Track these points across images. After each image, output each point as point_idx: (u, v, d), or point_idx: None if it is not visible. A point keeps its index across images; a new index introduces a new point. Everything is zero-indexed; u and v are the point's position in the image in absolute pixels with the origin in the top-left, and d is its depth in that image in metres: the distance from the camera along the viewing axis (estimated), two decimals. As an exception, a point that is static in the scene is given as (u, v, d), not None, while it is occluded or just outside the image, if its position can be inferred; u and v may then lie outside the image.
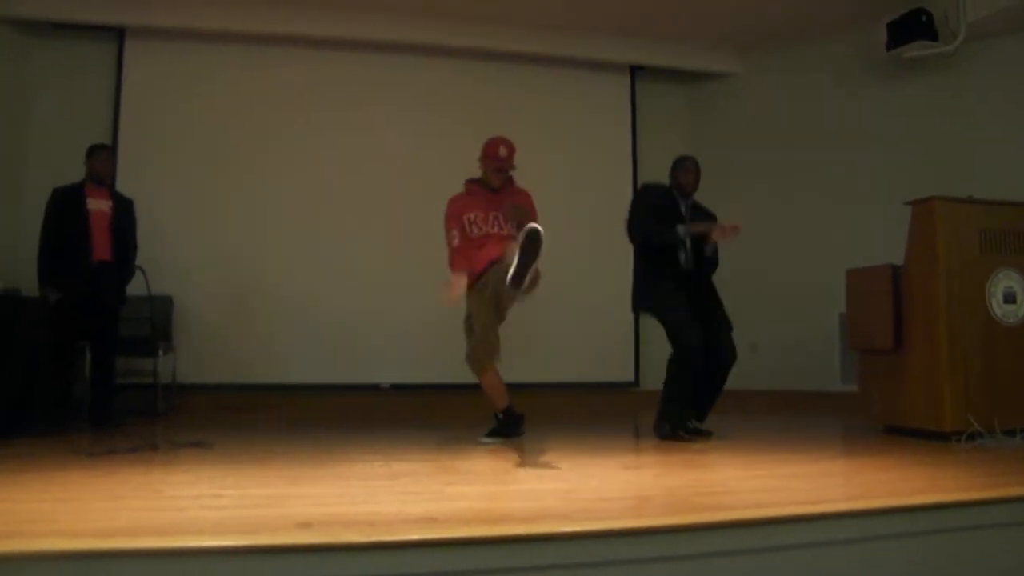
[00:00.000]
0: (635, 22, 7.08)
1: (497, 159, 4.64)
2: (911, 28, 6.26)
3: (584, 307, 7.05)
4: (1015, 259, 4.59)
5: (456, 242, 4.63)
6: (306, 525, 2.19)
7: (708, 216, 4.84)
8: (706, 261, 4.71)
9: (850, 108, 7.00)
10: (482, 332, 4.45)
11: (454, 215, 4.69)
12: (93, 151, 5.39)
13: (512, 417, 4.57)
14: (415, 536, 2.06)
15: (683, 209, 4.77)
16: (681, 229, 4.61)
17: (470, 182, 4.80)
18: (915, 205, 4.66)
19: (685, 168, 4.80)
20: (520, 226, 4.26)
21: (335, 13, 6.75)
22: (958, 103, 6.42)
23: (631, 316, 7.39)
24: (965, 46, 6.18)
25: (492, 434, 4.55)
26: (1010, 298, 4.56)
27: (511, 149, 4.69)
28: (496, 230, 4.63)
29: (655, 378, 7.18)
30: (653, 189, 4.91)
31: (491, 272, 4.38)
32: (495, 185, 4.68)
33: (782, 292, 7.02)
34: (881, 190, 6.40)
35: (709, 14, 6.83)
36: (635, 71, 7.70)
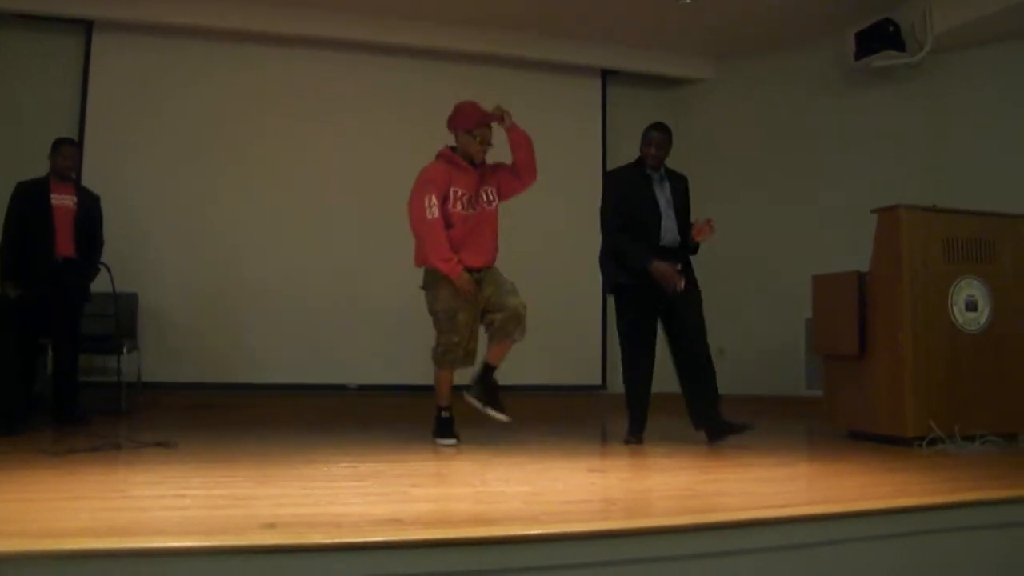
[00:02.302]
0: (606, 26, 7.10)
1: (486, 119, 4.39)
2: (878, 38, 6.35)
3: (552, 310, 7.04)
4: (977, 267, 4.67)
5: (435, 213, 4.22)
6: (271, 526, 2.17)
7: (680, 181, 4.73)
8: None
9: (820, 115, 7.07)
10: (448, 345, 4.39)
11: (434, 180, 4.28)
12: (57, 145, 5.31)
13: (443, 420, 4.51)
14: (380, 537, 2.05)
15: (654, 184, 4.64)
16: (653, 263, 4.43)
17: (450, 150, 4.46)
18: (881, 213, 4.72)
19: (647, 140, 4.65)
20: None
21: (305, 11, 6.71)
22: (925, 112, 6.51)
23: (599, 319, 7.44)
24: (932, 57, 6.27)
25: (440, 434, 4.49)
26: (972, 306, 4.63)
27: (488, 125, 4.47)
28: (484, 207, 4.42)
29: (622, 381, 7.26)
30: (618, 176, 4.83)
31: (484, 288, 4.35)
32: (479, 160, 4.43)
33: (749, 297, 7.08)
34: (848, 197, 6.47)
35: (681, 20, 6.87)
36: (606, 75, 7.73)
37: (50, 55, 6.61)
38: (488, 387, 4.44)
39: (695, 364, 4.57)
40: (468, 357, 4.45)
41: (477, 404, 4.42)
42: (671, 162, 4.80)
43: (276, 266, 6.73)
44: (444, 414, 4.51)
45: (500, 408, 4.43)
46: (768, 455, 4.14)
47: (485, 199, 4.42)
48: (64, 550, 1.88)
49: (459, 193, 4.32)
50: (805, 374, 6.65)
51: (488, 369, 4.45)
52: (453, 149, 4.47)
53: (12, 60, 6.51)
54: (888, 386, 4.56)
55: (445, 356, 4.41)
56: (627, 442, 4.53)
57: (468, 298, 4.30)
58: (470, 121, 4.38)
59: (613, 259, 4.66)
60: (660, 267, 4.41)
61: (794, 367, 6.77)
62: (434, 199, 4.23)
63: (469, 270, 4.30)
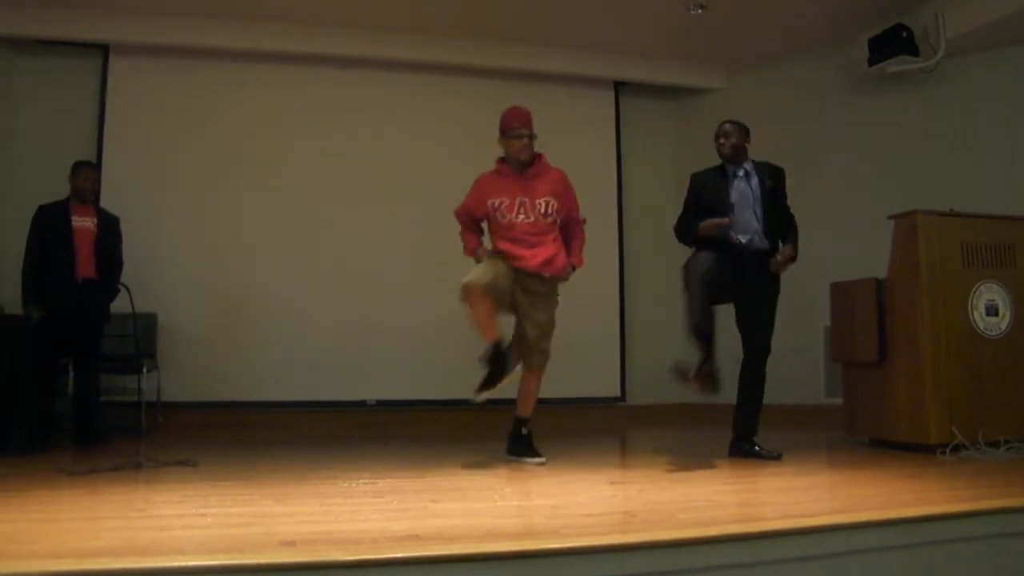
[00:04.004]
0: (618, 38, 7.11)
1: (517, 124, 4.36)
2: (892, 44, 6.32)
3: (570, 322, 7.02)
4: (997, 272, 4.63)
5: (461, 207, 4.49)
6: (290, 543, 2.17)
7: (775, 174, 4.57)
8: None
9: (833, 122, 7.04)
10: (471, 276, 4.12)
11: (476, 187, 4.46)
12: (77, 168, 5.39)
13: (496, 353, 4.17)
14: (400, 554, 2.05)
15: (730, 179, 4.50)
16: (695, 224, 4.37)
17: (501, 161, 4.51)
18: (898, 219, 4.70)
19: (716, 136, 4.58)
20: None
21: (322, 30, 6.75)
22: (940, 117, 6.47)
23: (617, 331, 7.43)
24: (945, 62, 6.24)
25: (482, 387, 4.13)
26: (992, 311, 4.60)
27: (526, 114, 4.43)
28: (523, 218, 4.36)
29: (641, 393, 7.24)
30: (697, 176, 4.67)
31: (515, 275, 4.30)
32: (524, 159, 4.38)
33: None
34: (864, 203, 6.44)
35: (692, 30, 6.87)
36: (619, 86, 7.74)
37: (67, 80, 6.68)
38: (517, 437, 4.47)
39: (747, 363, 4.46)
40: (491, 289, 4.12)
41: (517, 460, 4.38)
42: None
43: (293, 284, 6.74)
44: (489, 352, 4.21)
45: (535, 453, 4.38)
46: (788, 464, 4.11)
47: (541, 210, 4.37)
48: (85, 570, 1.89)
49: (498, 204, 4.38)
50: (824, 382, 6.61)
51: (517, 423, 4.48)
52: (503, 160, 4.50)
53: (30, 85, 6.59)
54: (909, 393, 4.53)
55: (467, 283, 4.08)
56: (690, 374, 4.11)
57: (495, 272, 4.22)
58: (504, 124, 4.43)
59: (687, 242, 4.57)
60: (704, 225, 4.33)
61: (813, 375, 6.72)
62: (469, 204, 4.47)
63: (507, 260, 4.32)
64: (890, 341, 4.68)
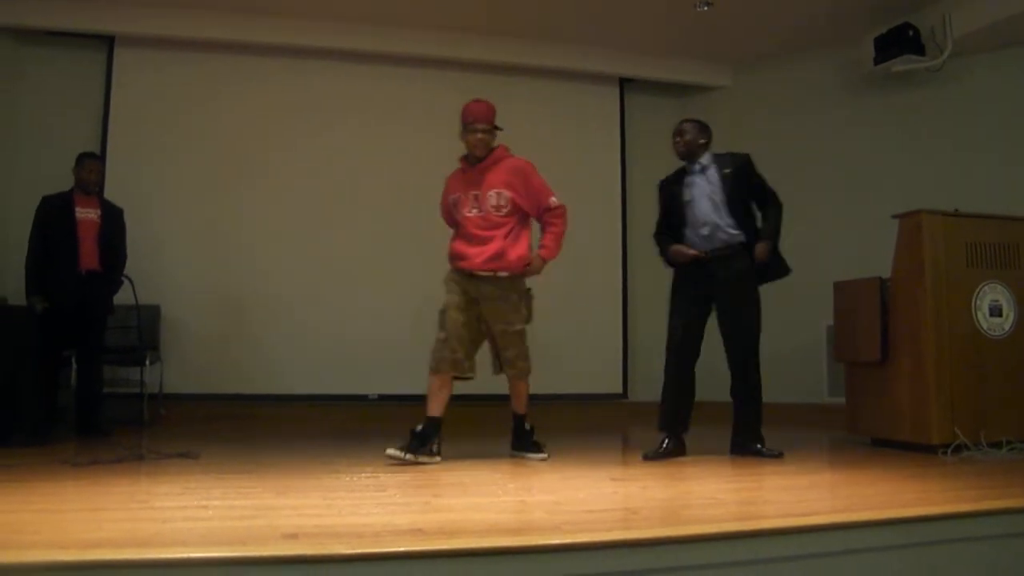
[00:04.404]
0: (624, 34, 7.10)
1: (471, 118, 4.25)
2: (898, 43, 6.32)
3: (572, 319, 7.05)
4: (1001, 272, 4.62)
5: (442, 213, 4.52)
6: (293, 536, 2.18)
7: (735, 160, 4.49)
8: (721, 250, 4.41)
9: (838, 121, 7.03)
10: (436, 342, 4.22)
11: (442, 199, 4.48)
12: (81, 159, 5.39)
13: (429, 427, 4.13)
14: (402, 548, 2.05)
15: (693, 174, 4.48)
16: (669, 245, 4.47)
17: (462, 158, 4.46)
18: (902, 218, 4.69)
19: (672, 134, 4.58)
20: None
21: (326, 24, 6.76)
22: (945, 117, 6.47)
23: (620, 328, 7.43)
24: (952, 61, 6.23)
25: (401, 449, 4.05)
26: (996, 311, 4.59)
27: (482, 108, 4.28)
28: (475, 212, 4.24)
29: (643, 390, 7.24)
30: (661, 182, 4.70)
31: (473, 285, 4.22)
32: (478, 154, 4.27)
33: (769, 304, 7.01)
34: (869, 203, 6.43)
35: (698, 27, 6.86)
36: (624, 83, 7.73)
37: (73, 71, 6.70)
38: (519, 433, 4.45)
39: (733, 374, 4.45)
40: (457, 365, 4.19)
41: (520, 456, 4.38)
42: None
43: (297, 277, 6.76)
44: (418, 427, 4.16)
45: (538, 448, 4.37)
46: (790, 463, 4.11)
47: (491, 203, 4.24)
48: (88, 560, 1.89)
49: (454, 200, 4.35)
50: (827, 381, 6.61)
51: (518, 420, 4.45)
52: (466, 156, 4.44)
53: (36, 76, 6.60)
54: (911, 393, 4.52)
55: (432, 353, 4.21)
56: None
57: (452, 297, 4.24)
58: (462, 118, 4.32)
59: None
60: (673, 251, 4.44)
61: (816, 374, 6.72)
62: (441, 205, 4.50)
63: (459, 271, 4.26)
64: (893, 341, 4.67)
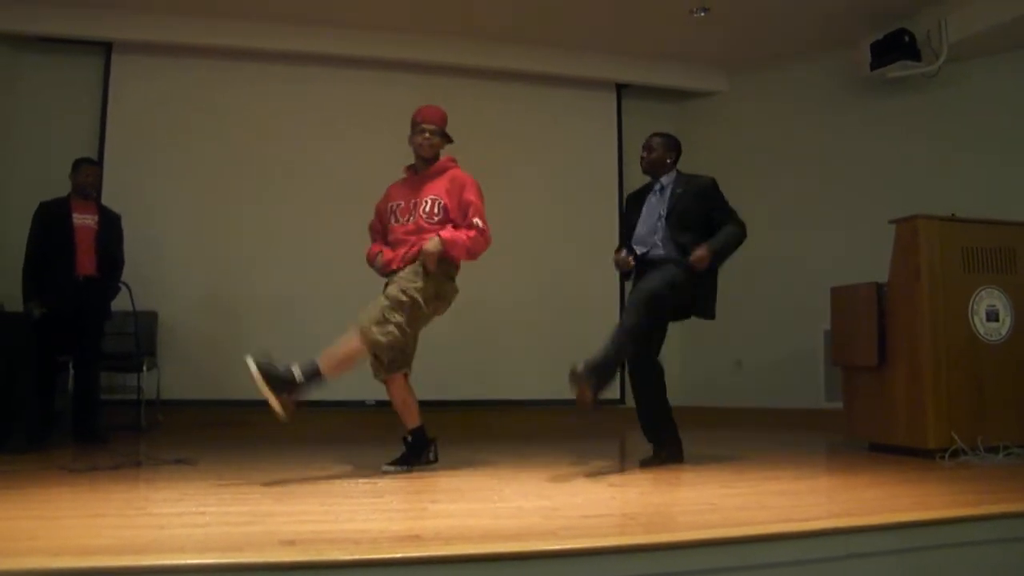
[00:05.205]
0: (621, 40, 7.12)
1: (420, 119, 4.13)
2: (894, 48, 6.34)
3: (568, 322, 7.05)
4: (997, 277, 4.63)
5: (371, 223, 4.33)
6: (290, 542, 2.17)
7: (692, 181, 4.33)
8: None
9: (835, 127, 7.05)
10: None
11: (376, 209, 4.32)
12: (78, 164, 5.39)
13: (420, 441, 4.13)
14: (399, 554, 2.05)
15: (653, 195, 4.39)
16: (619, 257, 4.34)
17: (408, 167, 4.32)
18: (899, 223, 4.70)
19: (641, 147, 4.50)
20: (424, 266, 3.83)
21: (324, 30, 6.77)
22: (941, 123, 6.49)
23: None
24: (947, 67, 6.25)
25: (398, 461, 4.05)
26: (993, 316, 4.60)
27: (433, 110, 4.15)
28: (410, 219, 4.06)
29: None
30: (627, 196, 4.72)
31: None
32: (424, 155, 4.13)
33: (767, 309, 7.05)
34: (865, 208, 6.44)
35: (694, 33, 6.87)
36: (621, 88, 7.74)
37: (70, 77, 6.70)
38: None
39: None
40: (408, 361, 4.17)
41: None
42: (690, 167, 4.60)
43: (294, 283, 6.75)
44: (409, 437, 4.19)
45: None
46: (788, 468, 4.11)
47: (425, 208, 4.05)
48: (85, 567, 1.89)
49: (395, 207, 4.19)
50: (824, 386, 6.61)
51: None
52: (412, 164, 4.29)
53: (33, 82, 6.60)
54: (908, 397, 4.53)
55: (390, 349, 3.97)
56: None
57: None
58: (412, 118, 4.20)
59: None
60: (614, 259, 4.36)
61: (813, 379, 6.72)
62: (374, 219, 4.34)
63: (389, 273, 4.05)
64: (890, 346, 4.68)
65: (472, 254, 4.01)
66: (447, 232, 3.93)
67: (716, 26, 6.70)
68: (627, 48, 7.32)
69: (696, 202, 4.29)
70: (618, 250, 4.42)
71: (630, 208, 4.57)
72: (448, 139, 4.20)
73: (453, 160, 4.22)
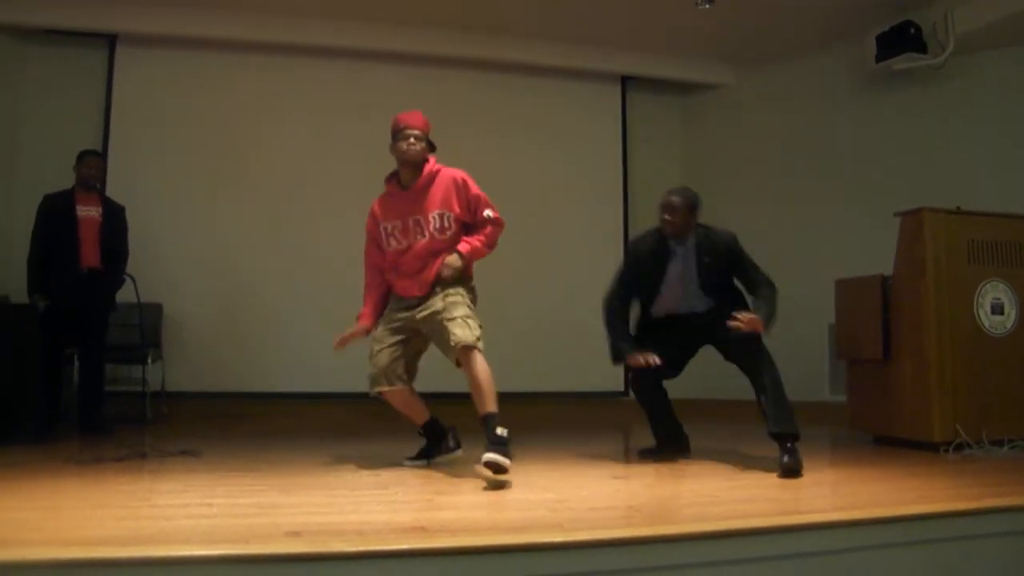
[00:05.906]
0: (626, 32, 7.10)
1: (403, 124, 3.90)
2: (900, 40, 6.31)
3: (573, 316, 7.04)
4: (1003, 270, 4.62)
5: (367, 278, 4.08)
6: (295, 534, 2.18)
7: (715, 249, 4.05)
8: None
9: (840, 119, 7.03)
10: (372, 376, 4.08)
11: (368, 233, 4.01)
12: (82, 157, 5.38)
13: (436, 430, 4.07)
14: (404, 545, 2.06)
15: (674, 257, 4.09)
16: (624, 347, 4.14)
17: (389, 178, 4.03)
18: (904, 216, 4.69)
19: (661, 207, 4.03)
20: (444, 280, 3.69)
21: (328, 23, 6.76)
22: (947, 115, 6.46)
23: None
24: (954, 59, 6.22)
25: (417, 456, 4.05)
26: (998, 309, 4.59)
27: (416, 116, 3.94)
28: (420, 239, 3.83)
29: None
30: (637, 246, 4.29)
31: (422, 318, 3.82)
32: (411, 159, 3.87)
33: (772, 302, 7.02)
34: (870, 201, 6.43)
35: (700, 25, 6.85)
36: (626, 81, 7.73)
37: (75, 69, 6.69)
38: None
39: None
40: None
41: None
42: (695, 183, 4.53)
43: (299, 275, 6.75)
44: (421, 431, 4.17)
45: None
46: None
47: (435, 225, 3.84)
48: (90, 558, 1.90)
49: (391, 228, 3.92)
50: (829, 379, 6.60)
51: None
52: (391, 177, 4.05)
53: (37, 74, 6.59)
54: (913, 390, 4.52)
55: (375, 390, 4.15)
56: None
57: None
58: (392, 126, 3.98)
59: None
60: (631, 360, 4.10)
61: (818, 372, 6.71)
62: (367, 263, 4.10)
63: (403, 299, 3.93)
64: (895, 339, 4.67)
65: (492, 248, 3.93)
66: (464, 246, 3.80)
67: (721, 18, 6.67)
68: (631, 40, 7.29)
69: (720, 262, 4.10)
70: (632, 354, 4.09)
71: (639, 265, 4.20)
72: (432, 147, 4.00)
73: (434, 158, 4.01)
